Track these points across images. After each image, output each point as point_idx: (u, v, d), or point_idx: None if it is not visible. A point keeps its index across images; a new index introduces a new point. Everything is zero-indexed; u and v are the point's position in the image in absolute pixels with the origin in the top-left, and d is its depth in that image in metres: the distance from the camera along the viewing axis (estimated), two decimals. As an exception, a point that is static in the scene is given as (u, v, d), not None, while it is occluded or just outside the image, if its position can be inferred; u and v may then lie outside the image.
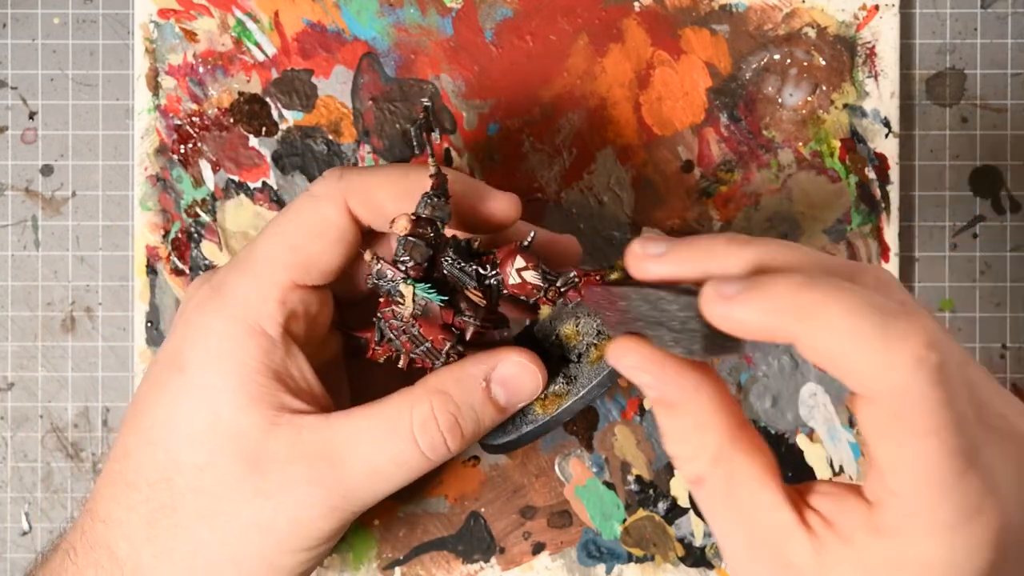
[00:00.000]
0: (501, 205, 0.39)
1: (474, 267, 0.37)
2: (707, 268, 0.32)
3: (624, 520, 0.47)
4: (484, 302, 0.37)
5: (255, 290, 0.37)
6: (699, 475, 0.33)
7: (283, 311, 0.37)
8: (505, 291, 0.38)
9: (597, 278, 0.37)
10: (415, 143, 0.38)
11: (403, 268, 0.37)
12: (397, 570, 0.47)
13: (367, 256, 0.37)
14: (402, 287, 0.37)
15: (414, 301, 0.37)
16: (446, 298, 0.37)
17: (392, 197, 0.38)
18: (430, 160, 0.37)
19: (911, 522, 0.29)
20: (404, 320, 0.37)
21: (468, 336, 0.37)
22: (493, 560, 0.47)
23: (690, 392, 0.33)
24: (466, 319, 0.37)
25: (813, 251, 0.32)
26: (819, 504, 0.31)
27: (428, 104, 0.38)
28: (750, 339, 0.30)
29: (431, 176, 0.37)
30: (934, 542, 0.29)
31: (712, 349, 0.32)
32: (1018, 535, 0.30)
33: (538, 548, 0.47)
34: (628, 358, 0.34)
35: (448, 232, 0.38)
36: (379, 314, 0.38)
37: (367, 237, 0.40)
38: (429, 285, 0.37)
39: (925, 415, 0.28)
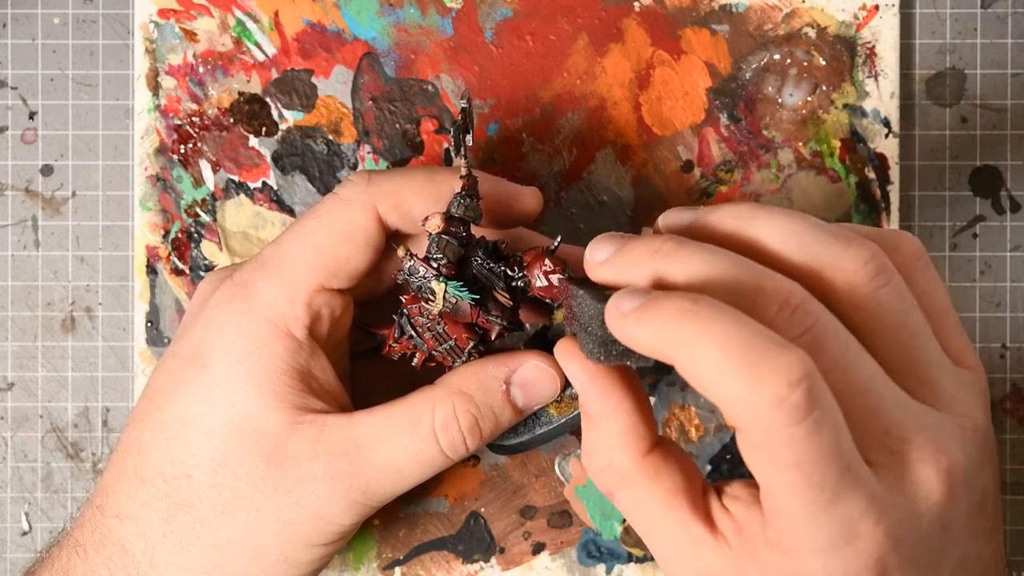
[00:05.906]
0: (528, 200, 0.41)
1: (502, 268, 0.38)
2: (629, 277, 0.32)
3: (624, 520, 0.47)
4: (510, 303, 0.38)
5: (282, 292, 0.37)
6: (609, 491, 0.34)
7: (309, 313, 0.38)
8: (530, 293, 0.38)
9: (556, 268, 0.37)
10: (452, 144, 0.38)
11: (436, 266, 0.37)
12: (397, 570, 0.47)
13: (400, 252, 0.37)
14: (434, 284, 0.37)
15: (444, 299, 0.37)
16: (478, 296, 0.37)
17: (420, 200, 0.38)
18: (462, 161, 0.38)
19: (790, 540, 0.30)
20: (430, 318, 0.38)
21: (493, 336, 0.38)
22: (493, 560, 0.47)
23: (610, 410, 0.33)
24: (492, 319, 0.37)
25: (742, 260, 0.31)
26: (732, 507, 0.32)
27: (465, 106, 0.38)
28: (647, 355, 0.30)
29: (462, 177, 0.38)
30: (813, 562, 0.29)
31: (614, 356, 0.32)
32: (923, 543, 0.30)
33: (538, 548, 0.47)
34: (565, 363, 0.35)
35: (476, 233, 0.39)
36: (403, 310, 0.38)
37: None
38: (461, 284, 0.37)
39: (785, 450, 0.28)
